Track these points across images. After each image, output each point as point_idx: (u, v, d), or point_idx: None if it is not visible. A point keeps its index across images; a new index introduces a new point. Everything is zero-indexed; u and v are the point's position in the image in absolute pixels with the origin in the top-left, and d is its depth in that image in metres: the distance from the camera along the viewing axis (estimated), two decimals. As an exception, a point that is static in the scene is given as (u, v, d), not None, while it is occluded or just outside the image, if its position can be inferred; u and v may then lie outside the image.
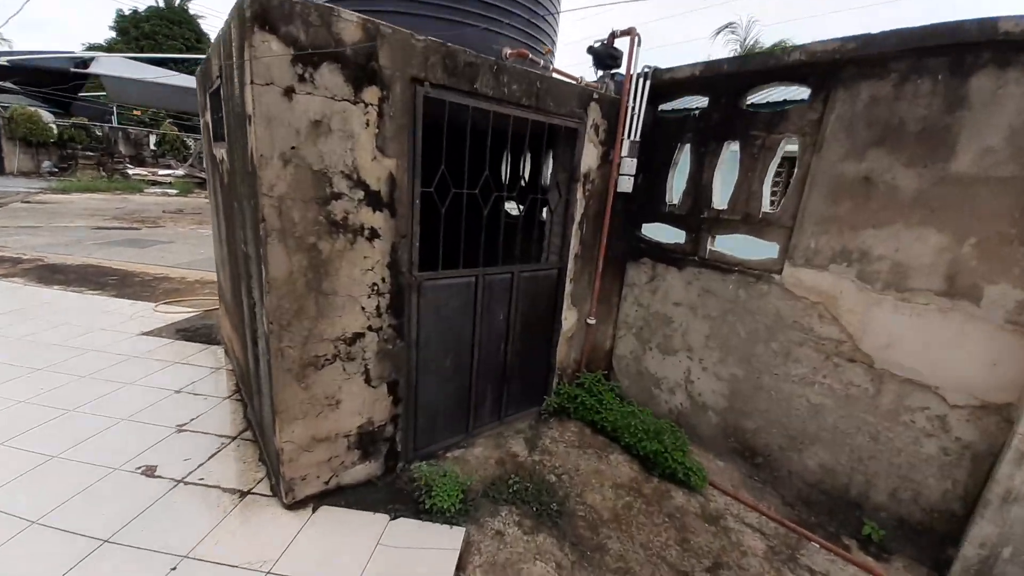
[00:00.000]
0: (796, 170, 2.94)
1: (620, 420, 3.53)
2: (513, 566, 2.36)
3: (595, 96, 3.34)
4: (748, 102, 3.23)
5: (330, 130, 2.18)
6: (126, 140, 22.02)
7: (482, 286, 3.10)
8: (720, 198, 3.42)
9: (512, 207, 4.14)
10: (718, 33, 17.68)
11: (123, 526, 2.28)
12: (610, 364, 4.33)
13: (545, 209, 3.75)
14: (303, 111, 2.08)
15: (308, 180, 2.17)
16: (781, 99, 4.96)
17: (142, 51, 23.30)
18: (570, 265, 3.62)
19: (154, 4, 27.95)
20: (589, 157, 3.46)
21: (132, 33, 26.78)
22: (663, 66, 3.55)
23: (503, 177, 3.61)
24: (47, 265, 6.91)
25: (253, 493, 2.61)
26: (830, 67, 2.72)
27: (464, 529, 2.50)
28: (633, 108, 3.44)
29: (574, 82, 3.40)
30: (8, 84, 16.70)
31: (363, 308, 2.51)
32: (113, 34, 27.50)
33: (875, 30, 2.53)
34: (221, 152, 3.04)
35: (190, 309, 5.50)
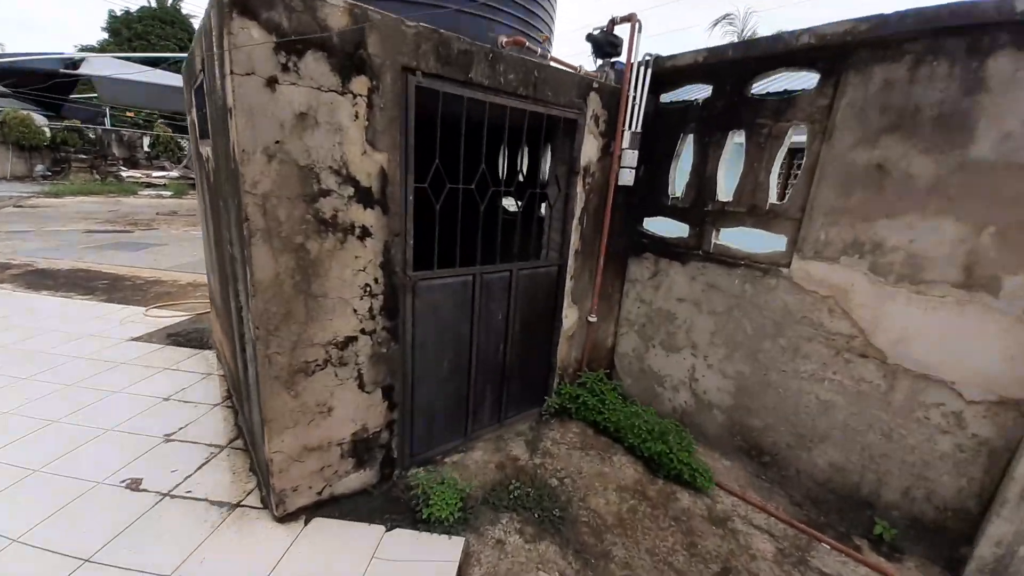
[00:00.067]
0: (804, 159, 2.83)
1: (623, 420, 3.44)
2: (515, 577, 2.27)
3: (595, 85, 3.22)
4: (753, 91, 3.12)
5: (316, 123, 2.06)
6: (119, 142, 21.78)
7: (479, 285, 2.99)
8: (725, 190, 3.31)
9: (510, 203, 4.03)
10: (715, 24, 17.51)
11: (105, 544, 2.18)
12: (612, 363, 4.24)
13: (544, 204, 3.64)
14: (287, 103, 1.97)
15: (294, 176, 2.06)
16: (788, 88, 4.83)
17: (134, 51, 23.02)
18: (570, 262, 3.51)
19: (146, 4, 27.69)
20: (589, 149, 3.34)
21: (124, 34, 26.47)
22: (664, 54, 3.44)
23: (500, 172, 3.50)
24: (36, 270, 6.79)
25: (243, 505, 2.51)
26: (840, 50, 2.61)
27: (463, 539, 2.41)
28: (634, 98, 3.33)
29: (573, 71, 3.28)
30: (1, 88, 16.47)
31: (355, 310, 2.41)
32: (105, 35, 27.22)
33: (888, 10, 2.42)
34: (207, 150, 2.92)
35: (181, 313, 5.38)
